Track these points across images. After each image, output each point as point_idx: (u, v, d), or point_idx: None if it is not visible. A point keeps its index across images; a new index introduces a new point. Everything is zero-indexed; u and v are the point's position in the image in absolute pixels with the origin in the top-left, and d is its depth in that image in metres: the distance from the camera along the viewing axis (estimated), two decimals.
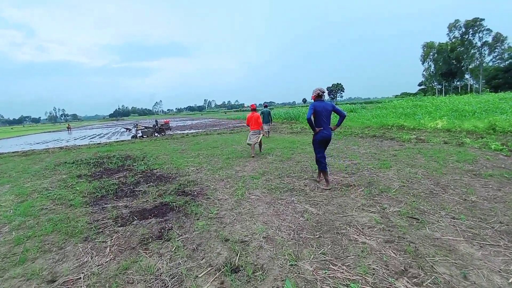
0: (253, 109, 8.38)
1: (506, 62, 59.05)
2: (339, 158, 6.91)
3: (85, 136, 25.22)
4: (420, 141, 8.68)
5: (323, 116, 4.58)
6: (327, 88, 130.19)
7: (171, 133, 20.36)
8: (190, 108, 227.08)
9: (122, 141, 15.90)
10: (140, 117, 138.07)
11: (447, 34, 68.07)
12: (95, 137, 22.71)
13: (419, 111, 15.95)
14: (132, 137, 17.16)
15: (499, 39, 59.76)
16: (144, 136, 17.15)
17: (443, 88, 72.43)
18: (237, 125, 25.14)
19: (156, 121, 18.74)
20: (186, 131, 21.45)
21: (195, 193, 4.84)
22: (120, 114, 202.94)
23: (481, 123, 9.48)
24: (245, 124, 9.09)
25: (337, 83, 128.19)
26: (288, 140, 11.15)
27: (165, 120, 18.36)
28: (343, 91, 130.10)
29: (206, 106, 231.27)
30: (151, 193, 4.98)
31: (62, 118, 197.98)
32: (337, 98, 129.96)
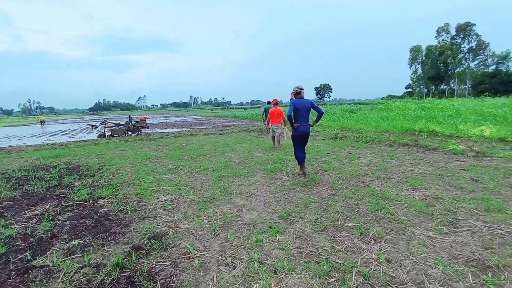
0: (275, 103, 8.54)
1: (491, 68, 59.94)
2: (395, 184, 4.50)
3: (47, 132, 21.64)
4: (480, 155, 6.46)
5: (302, 112, 4.73)
6: (315, 89, 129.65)
7: (149, 131, 17.39)
8: (175, 104, 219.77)
9: (85, 141, 12.84)
10: (122, 112, 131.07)
11: (436, 37, 68.33)
12: (58, 134, 19.28)
13: (438, 114, 13.98)
14: (99, 136, 14.11)
15: (482, 45, 60.52)
16: (115, 136, 14.15)
17: (430, 91, 72.92)
18: (226, 124, 22.41)
19: (130, 117, 15.72)
20: (167, 130, 18.52)
21: (162, 280, 2.23)
22: (101, 108, 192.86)
23: None
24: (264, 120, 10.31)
25: (325, 84, 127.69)
26: (290, 146, 8.65)
27: (141, 117, 15.41)
28: (331, 92, 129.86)
29: (192, 102, 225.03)
30: (65, 276, 2.33)
31: (37, 110, 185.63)
32: (325, 99, 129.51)
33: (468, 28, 60.68)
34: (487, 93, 33.29)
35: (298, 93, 4.83)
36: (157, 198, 4.20)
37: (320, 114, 4.81)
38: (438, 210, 3.38)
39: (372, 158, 6.54)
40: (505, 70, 56.14)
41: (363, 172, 5.27)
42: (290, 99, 5.09)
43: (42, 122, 34.04)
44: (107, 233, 3.06)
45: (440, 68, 68.24)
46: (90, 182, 5.33)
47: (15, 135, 19.91)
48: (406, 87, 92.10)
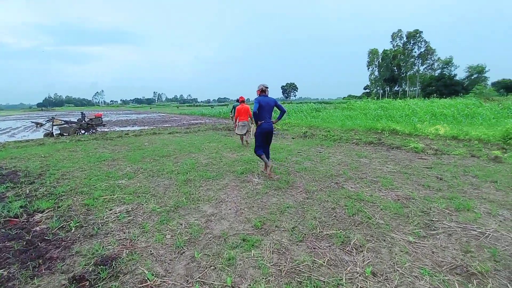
0: (242, 101, 8.56)
1: (437, 72, 66.43)
2: (367, 184, 4.45)
3: None
4: (439, 152, 6.83)
5: (266, 110, 4.85)
6: (281, 87, 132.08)
7: (106, 129, 15.90)
8: (138, 101, 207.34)
9: (27, 141, 11.20)
10: (76, 108, 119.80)
11: (391, 42, 73.75)
12: None
13: (396, 113, 14.86)
14: (46, 135, 12.45)
15: (430, 51, 66.91)
16: (65, 134, 12.61)
17: (386, 92, 78.60)
18: (193, 121, 21.49)
19: (82, 114, 14.12)
20: (127, 128, 17.14)
21: None
22: (51, 103, 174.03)
23: (490, 131, 8.16)
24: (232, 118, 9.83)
25: (291, 83, 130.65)
26: None
27: (96, 113, 13.92)
28: (297, 91, 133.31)
29: (156, 99, 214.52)
30: None
31: None
32: (291, 97, 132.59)
33: (417, 35, 66.40)
34: (434, 95, 36.73)
35: (263, 91, 4.96)
36: (110, 210, 3.60)
37: (282, 112, 4.99)
38: (412, 211, 3.33)
39: (342, 158, 6.54)
40: (448, 74, 62.58)
41: (336, 172, 5.18)
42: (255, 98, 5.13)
43: None
44: (41, 260, 2.45)
45: (394, 70, 73.90)
46: (27, 191, 4.47)
47: None
48: (365, 88, 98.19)
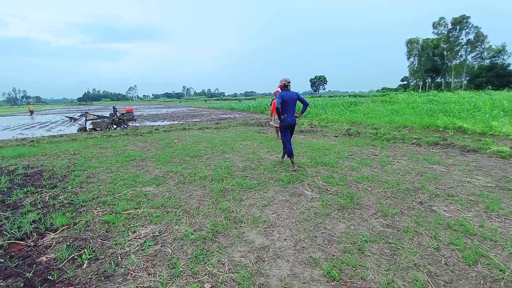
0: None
1: (487, 61, 59.44)
2: (465, 206, 3.26)
3: (24, 124, 19.79)
4: None
5: (289, 104, 4.90)
6: (310, 80, 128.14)
7: (137, 124, 15.83)
8: (168, 95, 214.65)
9: (61, 136, 11.25)
10: (112, 102, 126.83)
11: (433, 31, 67.48)
12: (35, 126, 17.49)
13: (453, 108, 12.87)
14: (80, 129, 12.51)
15: (480, 37, 59.81)
16: (97, 129, 12.59)
17: (425, 84, 72.59)
18: (222, 116, 20.92)
19: (114, 108, 14.07)
20: (157, 123, 16.97)
21: None
22: (90, 98, 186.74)
23: None
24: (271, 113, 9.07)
25: (320, 76, 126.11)
26: (307, 145, 7.37)
27: (127, 108, 13.77)
28: (326, 84, 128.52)
29: (185, 93, 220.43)
30: None
31: (23, 100, 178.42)
32: (320, 90, 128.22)
33: (464, 20, 59.80)
34: (487, 86, 32.53)
35: (285, 86, 4.98)
36: (134, 232, 2.86)
37: (305, 105, 5.02)
38: None
39: (408, 163, 5.31)
40: (500, 64, 55.83)
41: (411, 185, 4.03)
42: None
43: (31, 112, 31.44)
44: None
45: (436, 61, 67.72)
46: (47, 198, 3.94)
47: None
48: (402, 80, 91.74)
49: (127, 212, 3.34)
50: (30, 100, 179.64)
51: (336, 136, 8.91)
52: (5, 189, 4.39)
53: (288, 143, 5.09)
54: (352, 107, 18.28)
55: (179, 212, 3.31)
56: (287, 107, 4.90)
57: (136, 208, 3.46)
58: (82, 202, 3.73)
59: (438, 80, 71.93)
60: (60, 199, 3.89)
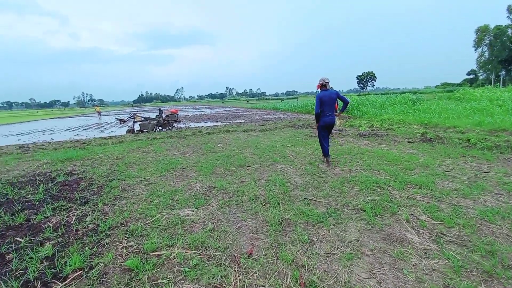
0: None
1: None
2: None
3: (83, 125, 21.43)
4: None
5: (327, 105, 4.89)
6: (357, 77, 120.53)
7: (182, 125, 15.75)
8: (212, 96, 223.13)
9: (111, 137, 11.44)
10: (162, 104, 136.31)
11: (508, 16, 57.40)
12: (92, 127, 18.70)
13: None
14: (128, 131, 12.70)
15: None
16: (144, 131, 12.63)
17: (498, 77, 62.30)
18: (266, 116, 19.97)
19: (160, 110, 14.07)
20: (201, 124, 16.72)
21: None
22: (143, 100, 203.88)
23: None
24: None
25: (368, 72, 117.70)
26: (378, 155, 5.89)
27: (172, 110, 13.63)
28: (375, 80, 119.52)
29: (228, 93, 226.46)
30: None
31: (89, 102, 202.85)
32: (367, 88, 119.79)
33: None
34: None
35: (323, 86, 4.94)
36: (172, 265, 1.96)
37: (346, 103, 4.97)
38: None
39: None
40: None
41: None
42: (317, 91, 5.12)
43: (99, 113, 35.06)
44: None
45: None
46: (73, 219, 3.32)
47: (54, 128, 19.85)
48: (468, 73, 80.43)
49: (156, 253, 2.47)
50: (95, 102, 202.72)
51: (411, 142, 7.19)
52: (38, 202, 3.95)
53: (325, 141, 5.14)
54: (416, 105, 15.72)
55: (225, 260, 2.32)
56: (325, 108, 4.90)
57: (169, 246, 2.58)
58: (109, 228, 3.00)
59: None
60: (86, 221, 3.22)
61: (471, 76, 78.16)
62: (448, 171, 4.49)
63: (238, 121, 17.33)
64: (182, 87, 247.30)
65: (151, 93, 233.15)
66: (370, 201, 3.38)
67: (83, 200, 3.95)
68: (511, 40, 57.56)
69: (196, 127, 14.45)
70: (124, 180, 4.94)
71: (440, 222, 2.80)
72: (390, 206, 3.22)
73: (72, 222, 3.24)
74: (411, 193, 3.62)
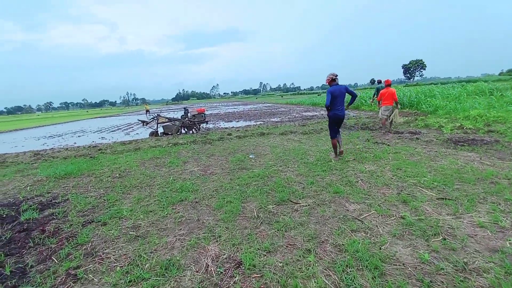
0: (388, 84, 8.06)
1: None
2: None
3: (111, 127, 21.13)
4: None
5: (338, 99, 4.99)
6: (403, 66, 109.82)
7: (210, 126, 14.16)
8: (245, 92, 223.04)
9: (131, 142, 10.16)
10: (198, 101, 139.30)
11: None
12: (120, 128, 18.09)
13: None
14: (151, 134, 11.39)
15: None
16: (168, 133, 11.22)
17: None
18: (305, 113, 17.54)
19: (185, 110, 12.53)
20: (232, 123, 14.94)
21: None
22: (181, 98, 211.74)
23: None
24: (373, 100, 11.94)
25: (417, 60, 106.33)
26: (419, 164, 3.38)
27: (198, 109, 12.00)
28: (424, 69, 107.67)
29: (261, 89, 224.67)
30: None
31: (133, 102, 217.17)
32: (415, 77, 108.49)
33: None
34: None
35: (333, 80, 5.01)
36: None
37: (354, 97, 5.12)
38: None
39: None
40: None
41: None
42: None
43: (147, 111, 34.96)
44: None
45: None
46: None
47: (86, 129, 19.76)
48: None
49: None
50: (138, 102, 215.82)
51: None
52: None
53: (337, 136, 5.22)
54: (507, 96, 12.00)
55: None
56: (336, 102, 4.98)
57: None
58: None
59: None
60: None
61: None
62: None
63: (273, 119, 15.23)
64: (217, 84, 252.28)
65: (187, 91, 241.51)
66: None
67: (39, 260, 2.25)
68: None
69: (225, 128, 12.69)
70: (106, 224, 3.22)
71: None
72: None
73: None
74: None
